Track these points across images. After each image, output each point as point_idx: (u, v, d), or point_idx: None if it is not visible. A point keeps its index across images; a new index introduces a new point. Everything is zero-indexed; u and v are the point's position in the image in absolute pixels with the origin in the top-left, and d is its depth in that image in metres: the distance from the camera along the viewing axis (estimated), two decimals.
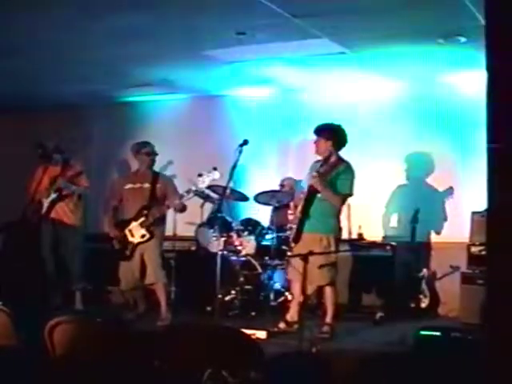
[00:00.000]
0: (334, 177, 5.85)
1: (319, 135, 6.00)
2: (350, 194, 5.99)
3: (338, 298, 6.14)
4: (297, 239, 5.93)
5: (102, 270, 7.44)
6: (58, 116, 9.26)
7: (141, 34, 6.21)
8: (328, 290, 5.97)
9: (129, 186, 6.86)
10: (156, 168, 7.05)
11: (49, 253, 7.25)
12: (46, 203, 7.22)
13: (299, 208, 5.92)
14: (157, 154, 6.90)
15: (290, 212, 6.17)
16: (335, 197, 5.88)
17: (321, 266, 5.66)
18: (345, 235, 6.93)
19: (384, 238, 7.72)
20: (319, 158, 6.07)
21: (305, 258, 5.17)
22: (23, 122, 9.54)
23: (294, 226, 5.98)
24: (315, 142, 6.03)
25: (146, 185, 6.77)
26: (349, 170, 5.94)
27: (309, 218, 5.89)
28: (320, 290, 6.15)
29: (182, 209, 6.75)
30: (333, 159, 5.94)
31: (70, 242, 7.32)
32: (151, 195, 6.72)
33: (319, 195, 5.87)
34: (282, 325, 6.04)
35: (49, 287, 7.23)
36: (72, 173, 7.30)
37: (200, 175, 6.44)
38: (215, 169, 6.40)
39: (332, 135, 5.96)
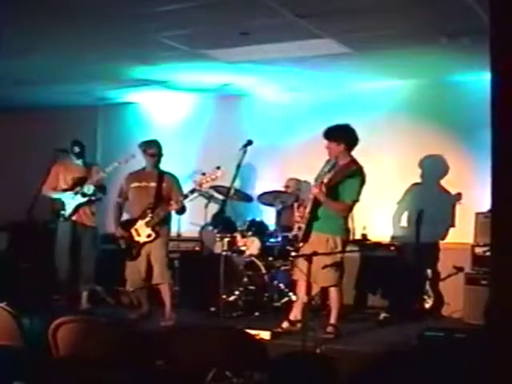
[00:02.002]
0: (341, 182, 5.79)
1: (330, 139, 5.91)
2: (355, 201, 5.90)
3: (342, 299, 6.14)
4: (305, 239, 5.93)
5: (111, 271, 7.42)
6: (61, 116, 9.28)
7: (144, 34, 6.22)
8: (333, 291, 5.96)
9: (135, 184, 6.85)
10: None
11: (67, 254, 7.21)
12: (71, 205, 7.18)
13: (308, 208, 5.90)
14: (162, 155, 6.88)
15: (297, 213, 6.15)
16: (337, 206, 5.84)
17: (324, 267, 5.66)
18: None
19: (388, 238, 7.71)
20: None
21: (309, 258, 5.17)
22: (25, 123, 9.57)
23: (303, 226, 5.96)
24: (327, 147, 5.93)
25: (152, 184, 6.76)
26: (358, 174, 5.85)
27: (317, 218, 5.88)
28: (325, 291, 6.15)
29: (181, 210, 6.75)
30: (343, 161, 5.89)
31: (88, 243, 7.30)
32: (156, 194, 6.71)
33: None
34: (285, 324, 6.04)
35: (57, 287, 7.22)
36: (96, 178, 7.26)
37: (203, 174, 6.46)
38: (218, 168, 6.41)
39: (342, 137, 5.89)
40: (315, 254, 5.28)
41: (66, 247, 7.20)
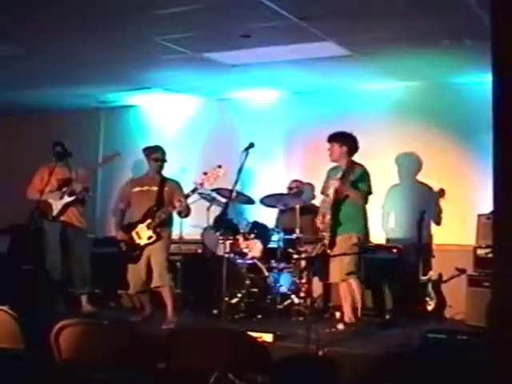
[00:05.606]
0: (353, 180, 6.16)
1: (333, 142, 6.30)
2: (370, 192, 6.30)
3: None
4: (332, 245, 6.15)
5: (110, 274, 7.42)
6: (62, 119, 9.29)
7: (145, 37, 6.22)
8: (353, 281, 6.12)
9: (137, 188, 6.87)
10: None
11: (58, 255, 7.19)
12: (57, 205, 7.17)
13: (328, 216, 6.14)
14: (165, 161, 6.89)
15: (318, 221, 6.32)
16: (358, 195, 6.17)
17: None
18: None
19: (390, 240, 7.70)
20: (333, 164, 6.36)
21: (309, 260, 5.19)
22: (27, 125, 9.58)
23: (325, 234, 6.18)
24: (329, 149, 6.32)
25: (154, 188, 6.77)
26: (364, 172, 6.27)
27: (339, 222, 6.15)
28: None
29: (186, 212, 6.75)
30: (348, 164, 6.20)
31: (80, 244, 7.27)
32: (158, 198, 6.72)
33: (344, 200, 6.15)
34: (340, 326, 6.13)
35: (55, 290, 7.20)
36: (81, 179, 7.26)
37: (205, 173, 6.47)
38: (220, 166, 6.44)
39: (345, 141, 6.28)
40: (317, 256, 5.30)
41: (57, 248, 7.16)
